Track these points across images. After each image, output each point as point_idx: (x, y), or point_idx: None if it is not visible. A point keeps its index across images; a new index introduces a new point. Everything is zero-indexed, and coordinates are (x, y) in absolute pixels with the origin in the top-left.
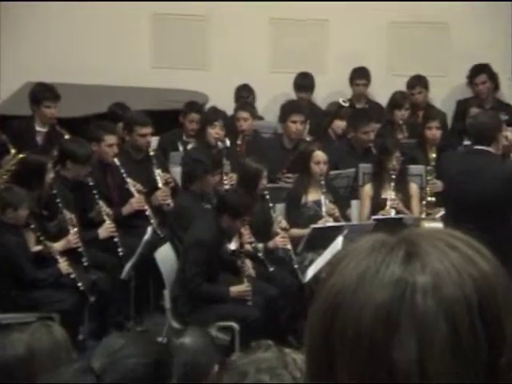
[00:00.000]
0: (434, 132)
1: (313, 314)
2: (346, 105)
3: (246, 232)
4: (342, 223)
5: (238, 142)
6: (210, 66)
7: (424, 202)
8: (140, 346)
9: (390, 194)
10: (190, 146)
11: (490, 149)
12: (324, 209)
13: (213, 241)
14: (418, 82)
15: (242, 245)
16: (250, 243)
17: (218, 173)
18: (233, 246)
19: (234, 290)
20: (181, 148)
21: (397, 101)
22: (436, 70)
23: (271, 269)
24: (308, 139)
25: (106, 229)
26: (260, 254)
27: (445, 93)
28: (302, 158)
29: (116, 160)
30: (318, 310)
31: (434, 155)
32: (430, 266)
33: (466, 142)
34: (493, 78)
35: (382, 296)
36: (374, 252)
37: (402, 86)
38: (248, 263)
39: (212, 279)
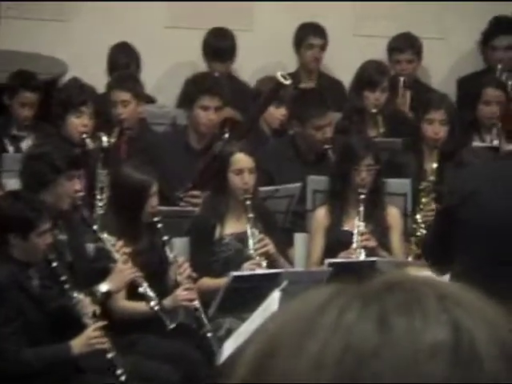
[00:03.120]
0: (436, 128)
1: None
2: (288, 82)
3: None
4: (280, 270)
5: (112, 140)
6: (70, 16)
7: (412, 238)
8: None
9: (356, 225)
10: (25, 144)
11: None
12: (251, 245)
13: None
14: (407, 45)
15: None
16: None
17: (74, 176)
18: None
19: (78, 343)
20: (10, 148)
21: (368, 76)
22: (429, 30)
23: (172, 325)
24: (226, 136)
25: None
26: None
27: (442, 65)
28: (216, 166)
29: None
30: None
31: (434, 164)
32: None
33: (477, 143)
34: None
35: None
36: (332, 313)
37: (375, 52)
38: (85, 301)
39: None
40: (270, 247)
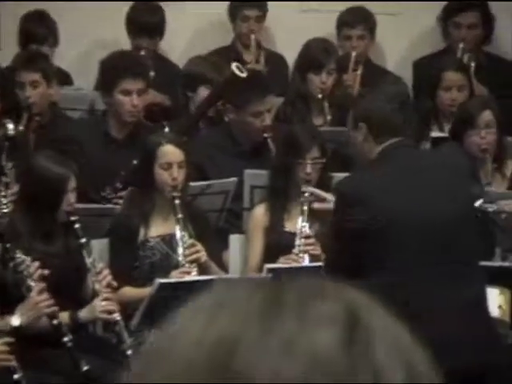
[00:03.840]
0: None
1: None
2: (244, 75)
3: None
4: (213, 276)
5: (20, 127)
6: None
7: None
8: None
9: (300, 225)
10: None
11: None
12: (180, 250)
13: None
14: (359, 19)
15: None
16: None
17: None
18: None
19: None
20: None
21: (313, 57)
22: (383, 4)
23: (85, 367)
24: (166, 129)
25: None
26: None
27: (397, 44)
28: (142, 159)
29: None
30: None
31: None
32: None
33: (436, 133)
34: (487, 18)
35: None
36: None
37: (320, 29)
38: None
39: None
40: (202, 254)
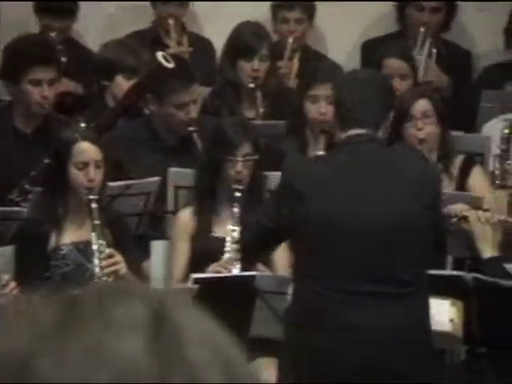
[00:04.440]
0: (322, 107)
1: None
2: (171, 65)
3: None
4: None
5: None
6: None
7: None
8: None
9: (230, 230)
10: None
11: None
12: (96, 263)
13: None
14: (297, 1)
15: None
16: None
17: None
18: None
19: None
20: None
21: (243, 42)
22: None
23: None
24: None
25: None
26: None
27: (342, 30)
28: (55, 158)
29: None
30: None
31: (321, 153)
32: None
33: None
34: (451, 4)
35: None
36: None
37: (253, 13)
38: None
39: None
40: (121, 266)
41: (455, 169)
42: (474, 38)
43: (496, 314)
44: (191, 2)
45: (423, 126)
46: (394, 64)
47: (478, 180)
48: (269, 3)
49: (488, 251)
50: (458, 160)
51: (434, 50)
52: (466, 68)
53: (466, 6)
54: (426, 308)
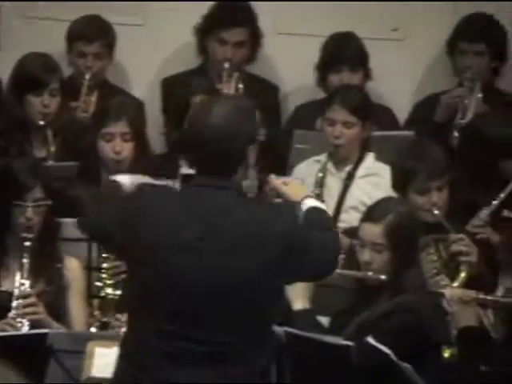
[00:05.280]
0: (117, 145)
1: None
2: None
3: None
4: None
5: None
6: None
7: (96, 301)
8: None
9: (18, 283)
10: None
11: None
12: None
13: None
14: (96, 31)
15: None
16: None
17: None
18: None
19: None
20: None
21: (30, 73)
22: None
23: None
24: None
25: None
26: None
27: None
28: None
29: None
30: None
31: None
32: None
33: (186, 170)
34: (255, 35)
35: None
36: None
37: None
38: None
39: None
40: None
41: None
42: (283, 75)
43: (308, 368)
44: None
45: None
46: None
47: None
48: None
49: (299, 303)
50: None
51: (241, 86)
52: (274, 104)
53: (276, 39)
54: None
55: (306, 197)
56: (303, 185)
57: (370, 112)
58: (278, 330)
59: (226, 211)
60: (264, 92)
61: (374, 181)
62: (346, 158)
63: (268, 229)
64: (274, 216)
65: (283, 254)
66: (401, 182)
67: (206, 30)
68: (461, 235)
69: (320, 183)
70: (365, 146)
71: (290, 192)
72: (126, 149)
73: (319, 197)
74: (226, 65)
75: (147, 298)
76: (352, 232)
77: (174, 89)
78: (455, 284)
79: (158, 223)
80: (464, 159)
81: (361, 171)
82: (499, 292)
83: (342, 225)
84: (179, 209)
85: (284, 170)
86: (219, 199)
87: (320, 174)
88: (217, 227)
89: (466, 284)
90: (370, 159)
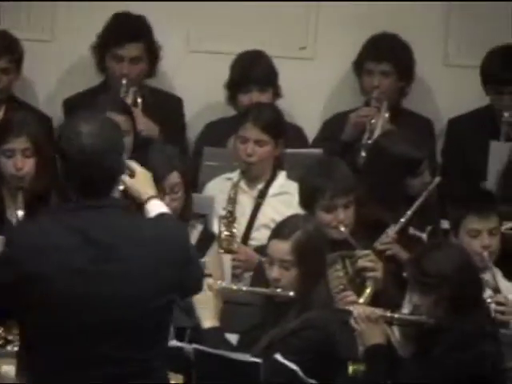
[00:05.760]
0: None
1: None
2: None
3: None
4: None
5: None
6: None
7: None
8: None
9: None
10: None
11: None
12: None
13: None
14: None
15: None
16: None
17: None
18: None
19: None
20: None
21: None
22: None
23: None
24: None
25: None
26: None
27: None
28: None
29: None
30: None
31: (20, 212)
32: None
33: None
34: (152, 50)
35: None
36: None
37: None
38: None
39: None
40: None
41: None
42: (194, 92)
43: None
44: None
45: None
46: (115, 118)
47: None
48: None
49: (208, 320)
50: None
51: (140, 100)
52: (179, 116)
53: (187, 56)
54: None
55: (152, 197)
56: (151, 179)
57: (282, 130)
58: (187, 347)
59: (115, 230)
60: (167, 104)
61: (285, 199)
62: (258, 176)
63: (160, 244)
64: (165, 230)
65: (177, 269)
66: (308, 199)
67: (102, 48)
68: (367, 251)
69: (232, 201)
70: (277, 164)
71: (137, 187)
72: (27, 164)
73: (231, 214)
74: (124, 81)
75: (54, 335)
76: (263, 250)
77: (77, 109)
78: (361, 300)
79: (47, 253)
80: (370, 176)
81: (273, 189)
82: (406, 309)
83: (253, 243)
84: (68, 234)
85: (195, 187)
86: (104, 218)
87: (232, 192)
88: (108, 248)
89: (372, 300)
90: (282, 177)
